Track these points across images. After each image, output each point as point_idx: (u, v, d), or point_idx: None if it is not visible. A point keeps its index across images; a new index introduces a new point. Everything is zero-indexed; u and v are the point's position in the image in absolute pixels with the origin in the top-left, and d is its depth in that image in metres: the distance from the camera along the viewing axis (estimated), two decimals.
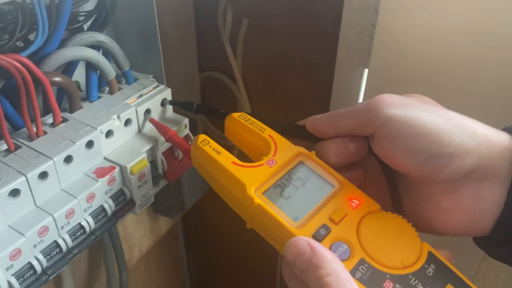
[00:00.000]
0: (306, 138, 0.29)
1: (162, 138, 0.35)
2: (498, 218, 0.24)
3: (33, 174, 0.28)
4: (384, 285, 0.22)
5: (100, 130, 0.32)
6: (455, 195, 0.25)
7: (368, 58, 0.44)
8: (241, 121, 0.29)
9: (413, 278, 0.23)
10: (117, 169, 0.32)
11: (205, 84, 0.59)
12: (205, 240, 0.79)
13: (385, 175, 0.28)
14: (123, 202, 0.34)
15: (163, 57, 0.38)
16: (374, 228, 0.24)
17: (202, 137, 0.27)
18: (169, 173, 0.38)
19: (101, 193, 0.32)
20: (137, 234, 0.58)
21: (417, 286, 0.23)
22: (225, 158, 0.26)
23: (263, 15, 0.50)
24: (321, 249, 0.22)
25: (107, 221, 0.33)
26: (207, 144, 0.27)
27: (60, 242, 0.29)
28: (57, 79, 0.31)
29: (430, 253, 0.24)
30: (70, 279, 0.46)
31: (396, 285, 0.22)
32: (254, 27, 0.52)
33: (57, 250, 0.29)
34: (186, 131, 0.38)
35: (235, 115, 0.30)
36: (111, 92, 0.36)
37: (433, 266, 0.23)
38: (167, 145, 0.36)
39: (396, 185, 0.28)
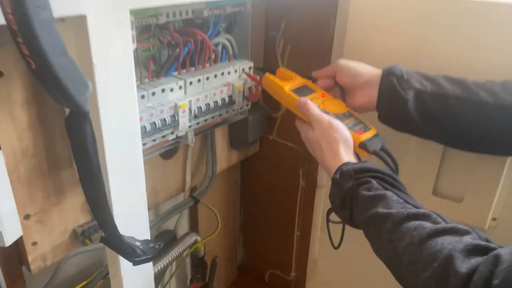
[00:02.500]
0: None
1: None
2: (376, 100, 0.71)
3: None
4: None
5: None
6: (362, 91, 0.72)
7: None
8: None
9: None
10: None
11: None
12: (253, 187, 1.25)
13: (339, 88, 0.76)
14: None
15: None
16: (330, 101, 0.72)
17: (267, 74, 0.77)
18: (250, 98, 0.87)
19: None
20: (220, 155, 1.06)
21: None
22: (276, 79, 0.76)
23: (300, 44, 1.01)
24: (307, 100, 0.70)
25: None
26: (269, 76, 0.77)
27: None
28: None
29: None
30: (190, 156, 0.94)
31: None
32: (294, 50, 1.03)
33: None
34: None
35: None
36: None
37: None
38: (248, 84, 0.86)
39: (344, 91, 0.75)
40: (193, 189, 1.01)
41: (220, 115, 0.84)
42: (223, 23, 0.86)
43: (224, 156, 1.06)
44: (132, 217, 0.59)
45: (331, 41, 0.94)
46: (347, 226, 0.67)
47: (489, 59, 0.72)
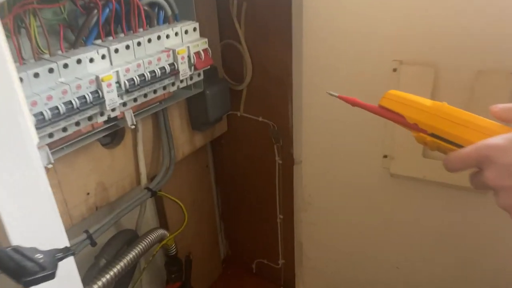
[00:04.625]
0: None
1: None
2: None
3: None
4: None
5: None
6: None
7: None
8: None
9: None
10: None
11: (223, 48, 0.95)
12: (226, 169, 1.12)
13: None
14: None
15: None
16: None
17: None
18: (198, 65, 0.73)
19: None
20: (181, 140, 0.93)
21: None
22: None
23: (258, 1, 0.87)
24: None
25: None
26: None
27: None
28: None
29: None
30: (141, 142, 0.81)
31: None
32: (249, 8, 0.89)
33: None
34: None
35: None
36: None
37: None
38: (194, 48, 0.72)
39: None
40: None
41: (164, 88, 0.71)
42: None
43: (186, 139, 0.93)
44: (33, 221, 0.46)
45: None
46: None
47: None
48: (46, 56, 0.57)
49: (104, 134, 0.67)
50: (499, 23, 0.63)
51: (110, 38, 0.65)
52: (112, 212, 0.79)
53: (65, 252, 0.43)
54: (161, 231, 0.91)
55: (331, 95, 0.49)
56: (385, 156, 0.82)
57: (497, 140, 0.38)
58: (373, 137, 0.82)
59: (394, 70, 0.71)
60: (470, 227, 0.81)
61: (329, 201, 0.98)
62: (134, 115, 0.69)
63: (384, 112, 0.46)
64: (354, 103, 0.48)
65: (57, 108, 0.54)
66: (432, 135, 0.43)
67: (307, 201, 1.02)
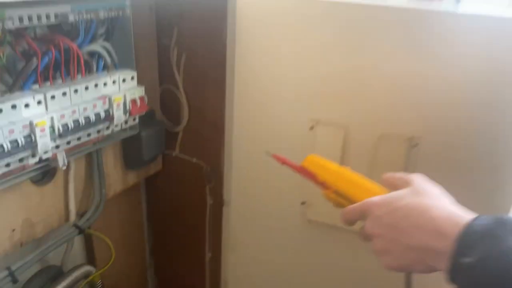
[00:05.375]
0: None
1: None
2: None
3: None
4: None
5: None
6: None
7: None
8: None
9: None
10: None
11: (162, 93, 1.01)
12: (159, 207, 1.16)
13: None
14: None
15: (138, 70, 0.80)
16: None
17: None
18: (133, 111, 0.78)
19: None
20: (113, 178, 0.95)
21: None
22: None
23: (195, 52, 0.94)
24: None
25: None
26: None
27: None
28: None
29: None
30: (72, 180, 0.83)
31: None
32: (188, 58, 0.95)
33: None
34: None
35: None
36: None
37: None
38: (131, 96, 0.77)
39: None
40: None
41: (98, 132, 0.75)
42: (99, 29, 0.77)
43: (118, 178, 0.96)
44: None
45: (224, 48, 0.88)
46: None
47: (374, 64, 0.69)
48: None
49: (34, 173, 0.69)
50: (398, 93, 0.74)
51: (48, 83, 0.68)
52: (38, 249, 0.80)
53: None
54: (87, 268, 0.92)
55: (267, 154, 0.62)
56: (303, 203, 0.90)
57: (375, 198, 0.49)
58: (293, 185, 0.90)
59: (311, 128, 0.80)
60: (378, 273, 0.90)
61: (255, 242, 1.03)
62: (67, 156, 0.72)
63: (303, 171, 0.58)
64: (283, 162, 0.61)
65: None
66: (335, 192, 0.55)
67: (234, 241, 1.07)
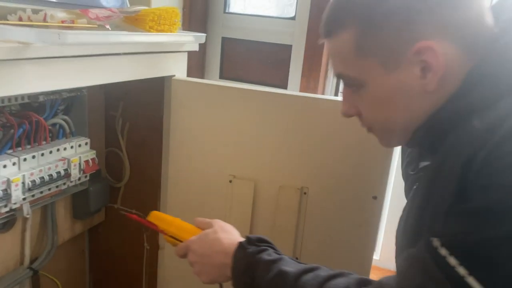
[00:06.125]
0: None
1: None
2: None
3: None
4: None
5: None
6: None
7: None
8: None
9: None
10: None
11: (108, 154, 1.21)
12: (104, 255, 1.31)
13: None
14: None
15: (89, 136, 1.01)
16: None
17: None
18: (86, 170, 0.97)
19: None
20: (63, 226, 1.11)
21: None
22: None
23: (136, 121, 1.16)
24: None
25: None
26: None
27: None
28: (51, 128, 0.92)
29: None
30: (29, 228, 0.99)
31: None
32: (131, 126, 1.17)
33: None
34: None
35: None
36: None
37: None
38: (85, 158, 0.97)
39: None
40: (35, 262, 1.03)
41: (57, 186, 0.93)
42: (61, 106, 0.98)
43: (67, 227, 1.12)
44: None
45: (161, 118, 1.12)
46: None
47: (276, 133, 0.96)
48: None
49: (3, 221, 0.85)
50: (293, 154, 1.00)
51: (20, 148, 0.86)
52: None
53: None
54: None
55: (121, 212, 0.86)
56: None
57: (193, 238, 0.71)
58: None
59: (230, 181, 1.03)
60: None
61: (186, 283, 1.21)
62: (30, 207, 0.89)
63: (149, 224, 0.78)
64: (134, 218, 0.80)
65: None
66: (170, 235, 0.77)
67: (168, 280, 1.24)
